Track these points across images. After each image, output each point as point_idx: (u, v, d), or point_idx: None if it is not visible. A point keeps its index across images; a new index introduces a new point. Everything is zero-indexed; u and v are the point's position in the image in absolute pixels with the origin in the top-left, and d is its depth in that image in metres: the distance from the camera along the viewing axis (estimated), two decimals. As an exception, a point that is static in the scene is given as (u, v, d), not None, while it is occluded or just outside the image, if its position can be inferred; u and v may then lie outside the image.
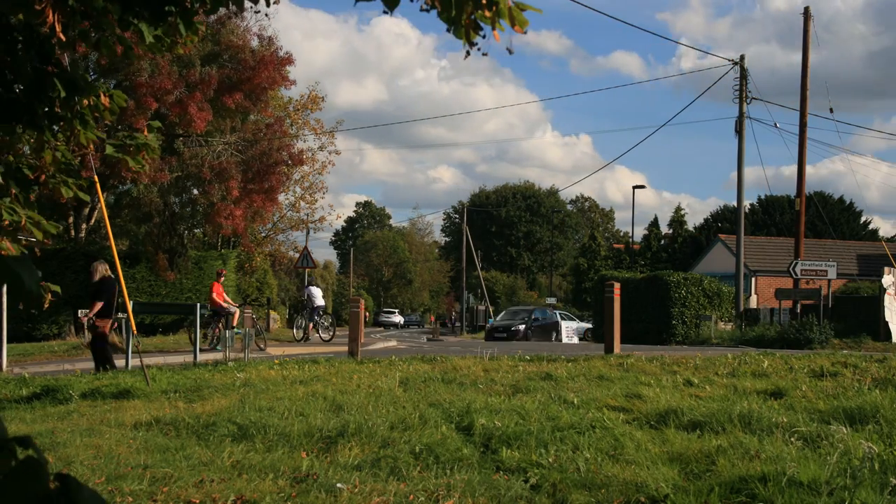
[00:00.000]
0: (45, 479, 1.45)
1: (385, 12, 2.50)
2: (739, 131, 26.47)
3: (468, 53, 2.58)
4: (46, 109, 3.60)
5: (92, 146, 4.04)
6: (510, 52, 2.66)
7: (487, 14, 2.48)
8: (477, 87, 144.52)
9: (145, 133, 4.32)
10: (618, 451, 6.09)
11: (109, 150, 4.19)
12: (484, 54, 2.64)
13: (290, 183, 34.73)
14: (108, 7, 3.25)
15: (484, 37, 2.54)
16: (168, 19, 3.26)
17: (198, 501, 5.13)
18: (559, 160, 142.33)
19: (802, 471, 5.15)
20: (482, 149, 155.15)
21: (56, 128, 3.82)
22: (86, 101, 3.79)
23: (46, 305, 4.12)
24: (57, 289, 4.03)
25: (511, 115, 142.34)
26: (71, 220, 25.92)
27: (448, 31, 2.53)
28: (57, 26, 3.18)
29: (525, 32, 2.53)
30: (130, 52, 3.76)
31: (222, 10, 3.48)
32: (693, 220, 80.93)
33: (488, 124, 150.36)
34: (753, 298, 33.38)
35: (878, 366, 10.15)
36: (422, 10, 2.50)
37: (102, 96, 3.89)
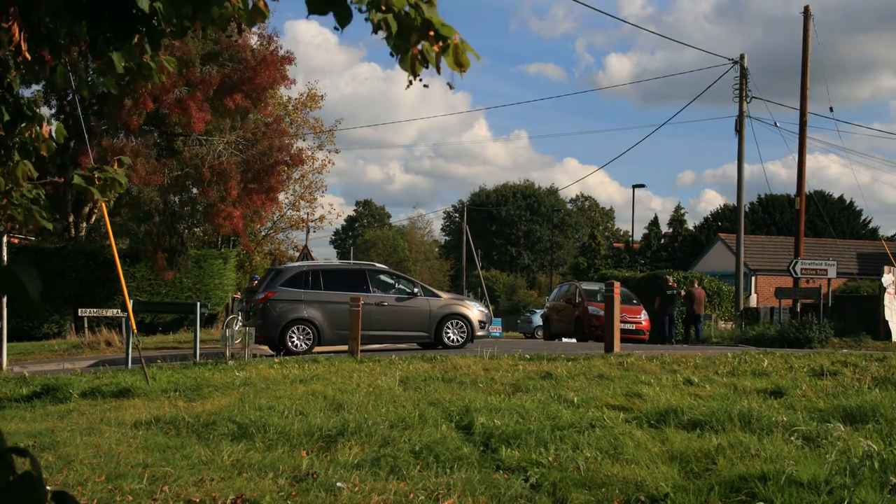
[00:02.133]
0: (42, 498, 1.43)
1: (336, 29, 2.52)
2: (739, 131, 26.45)
3: (410, 83, 2.64)
4: None
5: (26, 182, 3.85)
6: (451, 87, 2.77)
7: (435, 48, 2.54)
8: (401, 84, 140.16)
9: (115, 167, 4.21)
10: (618, 450, 6.09)
11: (77, 179, 4.04)
12: (425, 86, 2.72)
13: (290, 182, 34.73)
14: (75, 29, 3.12)
15: (427, 68, 2.60)
16: (134, 37, 3.15)
17: (198, 500, 5.13)
18: (495, 156, 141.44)
19: (802, 470, 5.15)
20: (415, 148, 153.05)
21: None
22: (27, 132, 3.63)
23: None
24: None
25: (440, 111, 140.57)
26: (71, 219, 25.92)
27: (392, 56, 2.57)
28: (23, 45, 3.09)
29: (463, 73, 2.60)
30: (84, 84, 3.68)
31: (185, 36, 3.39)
32: (644, 216, 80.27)
33: (418, 122, 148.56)
34: (753, 297, 33.36)
35: (877, 365, 10.15)
36: (373, 32, 2.53)
37: (44, 126, 3.73)
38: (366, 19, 2.48)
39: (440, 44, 2.53)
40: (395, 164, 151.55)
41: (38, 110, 3.76)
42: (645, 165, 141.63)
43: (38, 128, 3.71)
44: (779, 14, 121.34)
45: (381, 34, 2.50)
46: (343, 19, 2.47)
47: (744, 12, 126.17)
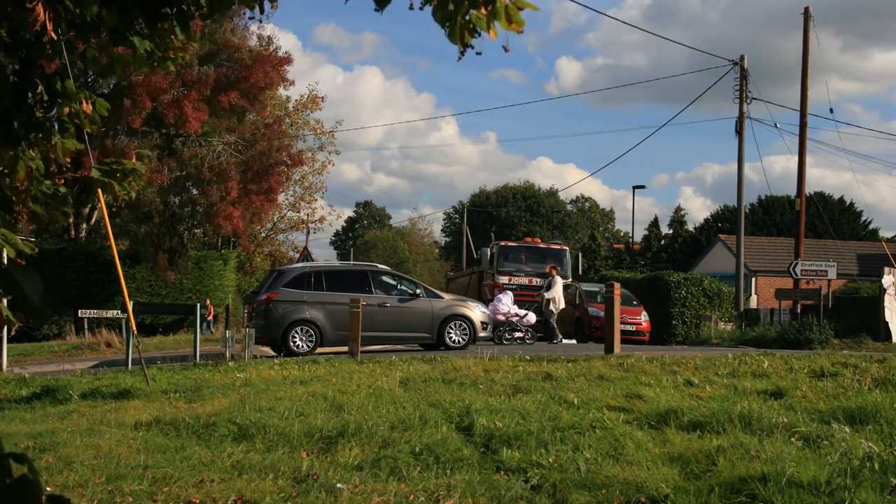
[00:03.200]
0: (38, 501, 1.43)
1: (376, 10, 2.49)
2: (739, 131, 26.45)
3: (462, 54, 2.52)
4: (24, 119, 3.41)
5: (68, 159, 3.88)
6: (506, 50, 2.60)
7: (483, 12, 2.43)
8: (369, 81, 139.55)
9: (132, 160, 4.21)
10: (618, 452, 6.09)
11: (96, 174, 4.03)
12: (478, 53, 2.59)
13: (290, 183, 34.72)
14: (103, 15, 3.13)
15: (479, 35, 2.49)
16: (164, 23, 3.17)
17: (198, 501, 5.13)
18: (467, 156, 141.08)
19: (802, 471, 5.15)
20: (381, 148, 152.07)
21: (32, 138, 3.58)
22: (66, 109, 3.62)
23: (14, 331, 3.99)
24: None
25: (406, 111, 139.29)
26: (71, 220, 25.92)
27: (444, 29, 2.48)
28: (48, 24, 3.10)
29: (521, 32, 2.48)
30: (117, 64, 3.67)
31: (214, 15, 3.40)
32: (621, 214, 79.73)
33: (382, 119, 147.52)
34: (753, 298, 33.34)
35: (878, 366, 10.15)
36: (411, 8, 2.47)
37: (84, 103, 3.70)
38: None
39: (490, 8, 2.42)
40: (367, 163, 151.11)
41: (77, 89, 3.77)
42: (626, 166, 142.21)
43: (76, 104, 3.69)
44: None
45: (425, 8, 2.41)
46: (381, 1, 2.45)
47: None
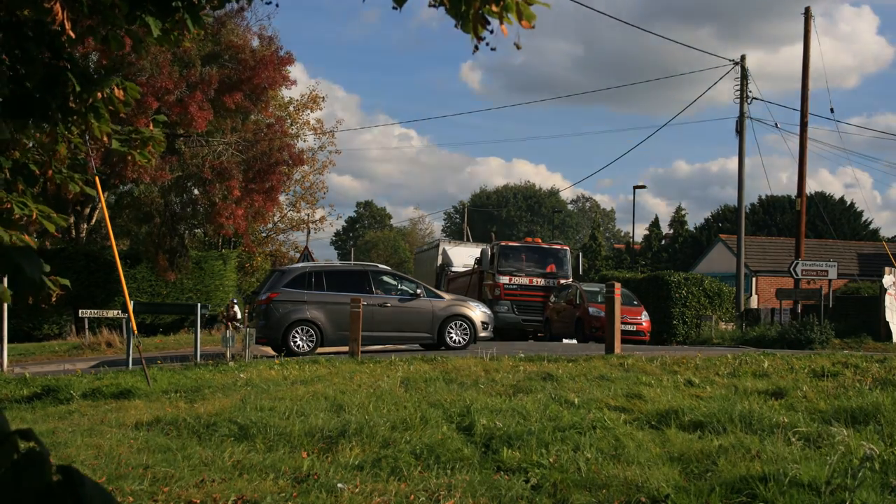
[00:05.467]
0: (48, 472, 1.45)
1: (394, 8, 2.52)
2: (740, 132, 26.46)
3: (476, 48, 2.56)
4: (60, 104, 3.57)
5: (106, 138, 4.04)
6: (518, 47, 2.63)
7: (495, 8, 2.48)
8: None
9: (150, 127, 4.32)
10: (618, 452, 6.09)
11: (115, 144, 4.18)
12: (492, 49, 2.62)
13: (291, 183, 34.72)
14: (116, 2, 3.25)
15: (492, 31, 2.53)
16: (175, 15, 3.25)
17: (199, 501, 5.13)
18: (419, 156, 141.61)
19: (803, 471, 5.15)
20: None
21: (70, 121, 3.80)
22: (99, 94, 3.77)
23: (54, 299, 4.09)
24: (66, 282, 4.02)
25: (337, 109, 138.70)
26: (72, 220, 25.91)
27: (456, 26, 2.52)
28: (66, 23, 3.18)
29: (532, 27, 2.52)
30: (140, 45, 3.76)
31: (226, 7, 3.50)
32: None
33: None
34: (754, 298, 33.35)
35: (878, 366, 10.15)
36: (430, 5, 2.51)
37: (116, 89, 3.86)
38: None
39: (502, 2, 2.48)
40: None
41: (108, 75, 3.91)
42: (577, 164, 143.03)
43: (108, 90, 3.83)
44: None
45: (439, 7, 2.46)
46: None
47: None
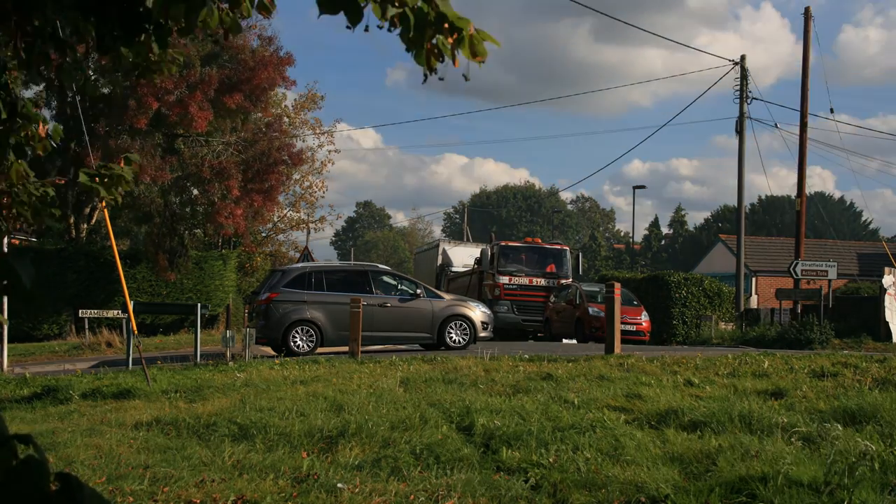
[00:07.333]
0: (47, 479, 1.44)
1: (347, 27, 2.52)
2: (740, 132, 26.46)
3: (426, 77, 2.60)
4: None
5: (23, 181, 3.83)
6: (466, 78, 2.71)
7: (449, 41, 2.50)
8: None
9: (121, 164, 4.21)
10: (618, 452, 6.09)
11: (83, 178, 4.02)
12: (441, 79, 2.68)
13: (290, 183, 34.70)
14: (82, 28, 3.10)
15: (442, 61, 2.57)
16: (141, 35, 3.15)
17: (198, 501, 5.14)
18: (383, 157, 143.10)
19: (803, 471, 5.15)
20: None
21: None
22: (23, 132, 3.60)
23: None
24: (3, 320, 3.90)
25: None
26: (72, 220, 25.92)
27: (408, 51, 2.54)
28: (19, 44, 3.08)
29: (482, 63, 2.56)
30: (88, 84, 3.68)
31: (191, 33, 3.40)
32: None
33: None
34: (754, 298, 33.35)
35: (878, 366, 10.16)
36: (379, 27, 2.52)
37: (41, 126, 3.69)
38: (379, 18, 2.47)
39: (455, 36, 2.50)
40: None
41: (36, 111, 3.74)
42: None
43: (34, 127, 3.68)
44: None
45: (395, 31, 2.48)
46: (354, 17, 2.47)
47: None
